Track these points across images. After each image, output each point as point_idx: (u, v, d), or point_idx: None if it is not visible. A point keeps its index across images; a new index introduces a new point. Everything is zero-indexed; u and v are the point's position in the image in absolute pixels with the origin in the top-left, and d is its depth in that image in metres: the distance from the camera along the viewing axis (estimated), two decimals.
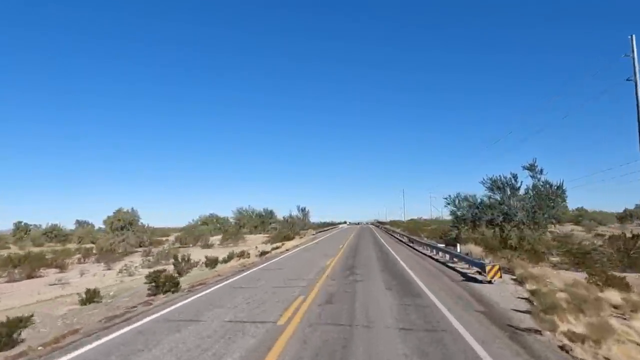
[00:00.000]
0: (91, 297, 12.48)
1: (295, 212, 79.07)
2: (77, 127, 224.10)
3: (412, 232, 46.11)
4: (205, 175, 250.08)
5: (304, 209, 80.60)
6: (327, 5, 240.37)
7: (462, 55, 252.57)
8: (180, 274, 18.77)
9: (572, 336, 6.08)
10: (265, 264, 18.91)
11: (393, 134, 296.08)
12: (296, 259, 21.31)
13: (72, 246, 55.72)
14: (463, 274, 13.29)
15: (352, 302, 8.95)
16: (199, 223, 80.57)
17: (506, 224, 24.63)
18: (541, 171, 25.02)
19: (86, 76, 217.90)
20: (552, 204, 24.20)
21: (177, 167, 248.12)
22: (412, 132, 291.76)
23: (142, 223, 54.17)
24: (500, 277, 11.27)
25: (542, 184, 24.85)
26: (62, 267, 30.75)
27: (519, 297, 9.35)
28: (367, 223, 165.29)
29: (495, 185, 26.40)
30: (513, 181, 25.80)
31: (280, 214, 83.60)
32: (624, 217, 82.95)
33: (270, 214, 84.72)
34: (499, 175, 26.19)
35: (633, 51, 15.58)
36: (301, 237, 49.94)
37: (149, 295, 11.37)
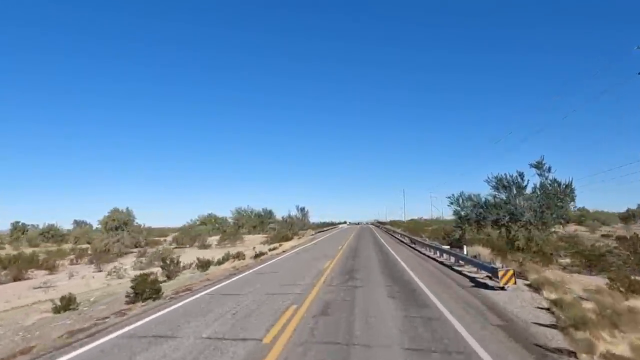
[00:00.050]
0: (66, 304, 11.42)
1: (294, 212, 78.08)
2: (77, 126, 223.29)
3: (413, 232, 45.03)
4: (205, 175, 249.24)
5: (303, 208, 79.62)
6: (327, 5, 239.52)
7: (462, 55, 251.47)
8: (169, 278, 17.73)
9: None
10: (259, 267, 17.86)
11: (393, 133, 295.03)
12: (293, 261, 20.26)
13: (67, 247, 54.67)
14: (472, 279, 12.23)
15: (351, 313, 7.90)
16: (198, 223, 79.56)
17: (513, 225, 23.57)
18: (549, 169, 23.98)
19: (86, 76, 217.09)
20: (561, 203, 23.17)
21: (177, 167, 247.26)
22: (412, 132, 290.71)
23: (137, 223, 53.20)
24: (515, 283, 10.21)
25: (550, 182, 23.82)
26: (51, 269, 29.72)
27: (538, 307, 8.29)
28: (367, 223, 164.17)
29: (500, 183, 25.33)
30: (519, 179, 24.76)
31: (279, 214, 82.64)
32: (627, 217, 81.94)
33: (269, 214, 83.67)
34: (505, 174, 25.14)
35: None
36: (300, 238, 48.88)
37: (127, 302, 10.32)
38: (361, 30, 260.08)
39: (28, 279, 27.34)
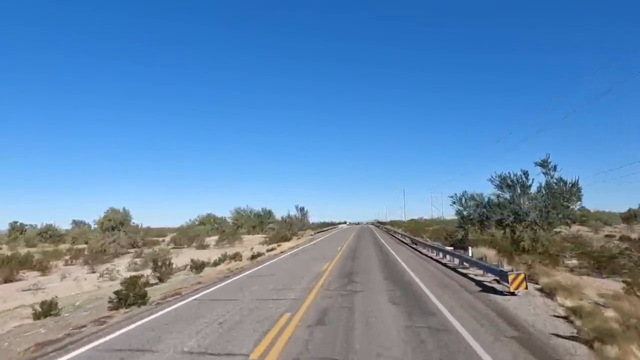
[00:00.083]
0: (47, 310, 10.76)
1: (293, 212, 77.39)
2: (77, 126, 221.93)
3: (414, 232, 44.33)
4: (205, 175, 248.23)
5: (303, 208, 78.94)
6: (327, 5, 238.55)
7: (462, 55, 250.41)
8: (161, 280, 17.05)
9: None
10: (255, 269, 17.17)
11: (393, 133, 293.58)
12: (290, 262, 19.56)
13: (64, 247, 54.00)
14: (478, 283, 11.53)
15: (350, 322, 7.20)
16: (197, 223, 78.84)
17: (517, 225, 22.86)
18: (555, 167, 23.25)
19: (86, 76, 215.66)
20: (567, 203, 22.47)
21: (176, 166, 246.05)
22: (412, 131, 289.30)
23: (135, 223, 52.52)
24: (526, 288, 9.50)
25: (555, 181, 23.11)
26: (44, 270, 29.05)
27: (554, 316, 7.58)
28: (367, 223, 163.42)
29: (504, 183, 24.61)
30: (524, 178, 24.05)
31: (279, 214, 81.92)
32: (629, 218, 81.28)
33: (268, 214, 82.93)
34: (509, 173, 24.42)
35: None
36: (299, 238, 48.19)
37: (110, 309, 9.63)
38: (361, 30, 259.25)
39: (20, 280, 26.68)
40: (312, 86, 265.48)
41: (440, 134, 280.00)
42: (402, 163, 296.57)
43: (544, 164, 23.51)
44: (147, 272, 19.06)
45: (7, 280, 25.66)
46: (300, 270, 15.73)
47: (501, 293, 9.83)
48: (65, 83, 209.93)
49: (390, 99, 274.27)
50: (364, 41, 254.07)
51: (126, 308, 9.32)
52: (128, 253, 43.41)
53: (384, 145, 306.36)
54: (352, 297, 9.66)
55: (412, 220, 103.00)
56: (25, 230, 74.77)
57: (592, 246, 20.80)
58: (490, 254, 15.43)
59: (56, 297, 16.82)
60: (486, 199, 26.01)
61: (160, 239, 63.58)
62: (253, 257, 22.84)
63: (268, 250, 28.50)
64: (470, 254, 15.17)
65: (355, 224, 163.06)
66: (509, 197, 24.32)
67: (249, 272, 16.14)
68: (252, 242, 48.74)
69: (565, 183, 22.83)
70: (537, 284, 11.08)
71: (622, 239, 38.19)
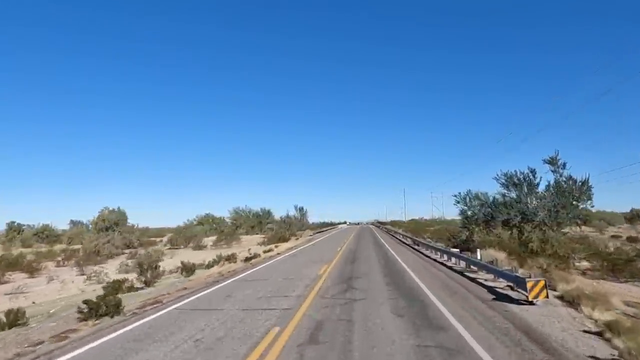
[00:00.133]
0: (12, 321, 9.72)
1: (292, 212, 76.37)
2: (76, 126, 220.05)
3: (415, 233, 43.29)
4: (204, 175, 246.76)
5: (302, 208, 77.93)
6: (327, 5, 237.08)
7: (462, 55, 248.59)
8: (147, 284, 16.01)
9: None
10: (248, 272, 16.13)
11: (393, 133, 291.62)
12: (286, 265, 18.52)
13: (59, 247, 52.97)
14: (490, 289, 10.48)
15: (347, 340, 6.15)
16: (195, 223, 77.79)
17: (525, 225, 21.82)
18: (564, 165, 22.21)
19: (86, 76, 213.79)
20: (577, 202, 21.43)
21: (176, 166, 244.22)
22: (413, 131, 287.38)
23: (130, 223, 51.52)
24: (547, 296, 8.46)
25: (564, 179, 22.07)
26: (32, 272, 27.97)
27: (585, 331, 6.54)
28: (367, 223, 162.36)
29: (511, 181, 23.58)
30: (531, 177, 23.00)
31: (278, 214, 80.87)
32: (633, 218, 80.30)
33: (267, 214, 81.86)
34: (515, 171, 23.38)
35: None
36: (297, 239, 47.16)
37: (79, 320, 8.58)
38: (361, 30, 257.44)
39: (6, 282, 25.62)
40: (312, 86, 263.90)
41: (440, 134, 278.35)
42: (402, 163, 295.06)
43: (552, 162, 22.46)
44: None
45: None
46: (296, 274, 14.68)
47: (518, 302, 8.79)
48: (65, 83, 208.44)
49: (390, 99, 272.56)
50: (364, 41, 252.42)
51: (96, 319, 8.28)
52: (123, 254, 42.35)
53: (384, 145, 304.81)
54: (351, 306, 8.61)
55: (412, 220, 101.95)
56: (23, 231, 73.79)
57: (604, 247, 19.70)
58: (500, 256, 14.39)
59: (33, 303, 15.86)
60: (491, 198, 24.97)
61: (158, 239, 62.52)
62: (247, 259, 21.81)
63: (264, 252, 27.45)
64: (478, 257, 14.13)
65: (355, 224, 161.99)
66: (515, 196, 23.30)
67: (242, 275, 15.10)
68: (250, 243, 47.71)
69: (575, 181, 21.81)
70: (554, 290, 10.04)
71: (630, 239, 37.14)
